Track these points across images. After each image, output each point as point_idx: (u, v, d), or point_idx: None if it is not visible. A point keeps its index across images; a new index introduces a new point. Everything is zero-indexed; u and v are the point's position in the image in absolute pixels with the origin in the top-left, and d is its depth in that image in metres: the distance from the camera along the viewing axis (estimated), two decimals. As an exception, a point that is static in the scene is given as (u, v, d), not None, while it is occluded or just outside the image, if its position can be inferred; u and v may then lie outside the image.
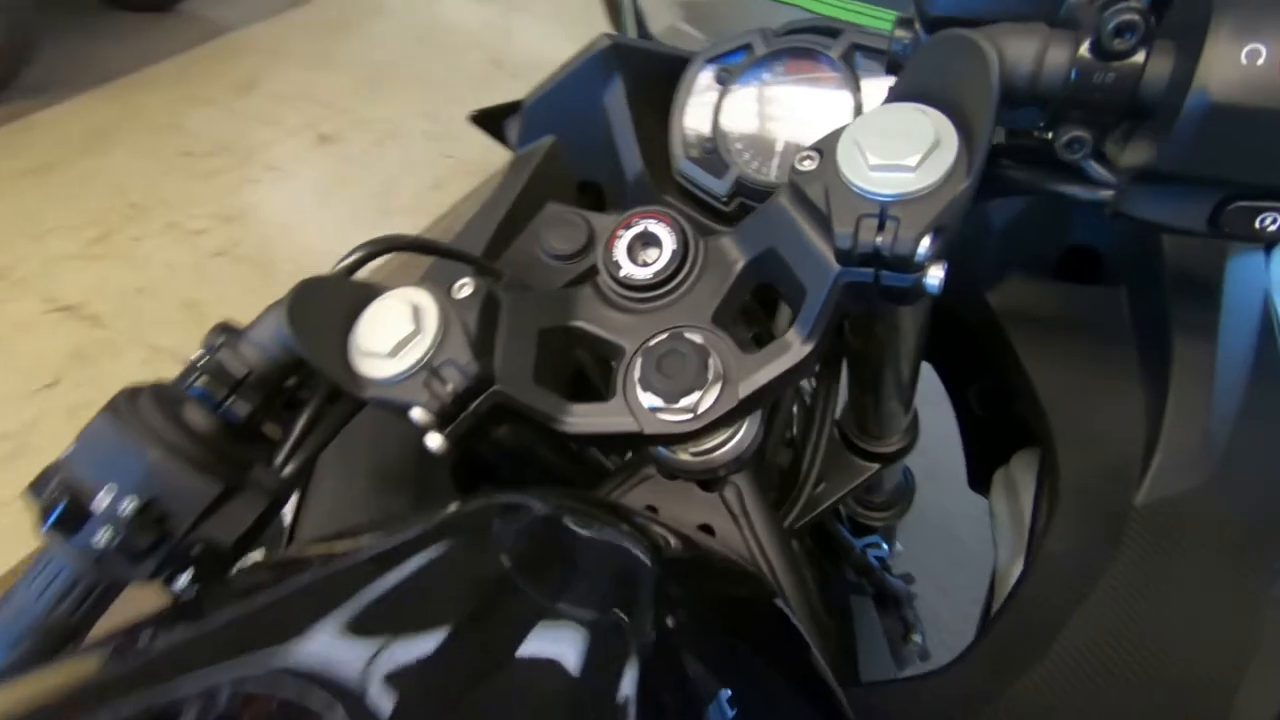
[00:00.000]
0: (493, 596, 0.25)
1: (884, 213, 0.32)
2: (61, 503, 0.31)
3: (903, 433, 0.57)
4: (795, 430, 0.65)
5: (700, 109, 0.55)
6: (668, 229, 0.38)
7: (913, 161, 0.31)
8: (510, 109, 0.61)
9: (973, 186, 0.31)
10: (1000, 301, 0.50)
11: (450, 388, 0.34)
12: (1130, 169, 0.31)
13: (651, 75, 0.57)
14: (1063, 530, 0.43)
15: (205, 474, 0.32)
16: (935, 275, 0.32)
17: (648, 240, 0.39)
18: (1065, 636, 0.39)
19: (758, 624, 0.36)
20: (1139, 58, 0.29)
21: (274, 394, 0.35)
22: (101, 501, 0.31)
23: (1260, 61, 0.27)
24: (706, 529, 0.42)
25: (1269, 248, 0.47)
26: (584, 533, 0.31)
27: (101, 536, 0.30)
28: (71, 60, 2.46)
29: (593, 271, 0.41)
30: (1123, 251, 0.48)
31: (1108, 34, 0.29)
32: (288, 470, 0.35)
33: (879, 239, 0.31)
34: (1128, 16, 0.29)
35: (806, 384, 0.66)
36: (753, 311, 0.57)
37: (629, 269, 0.38)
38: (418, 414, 0.34)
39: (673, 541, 0.35)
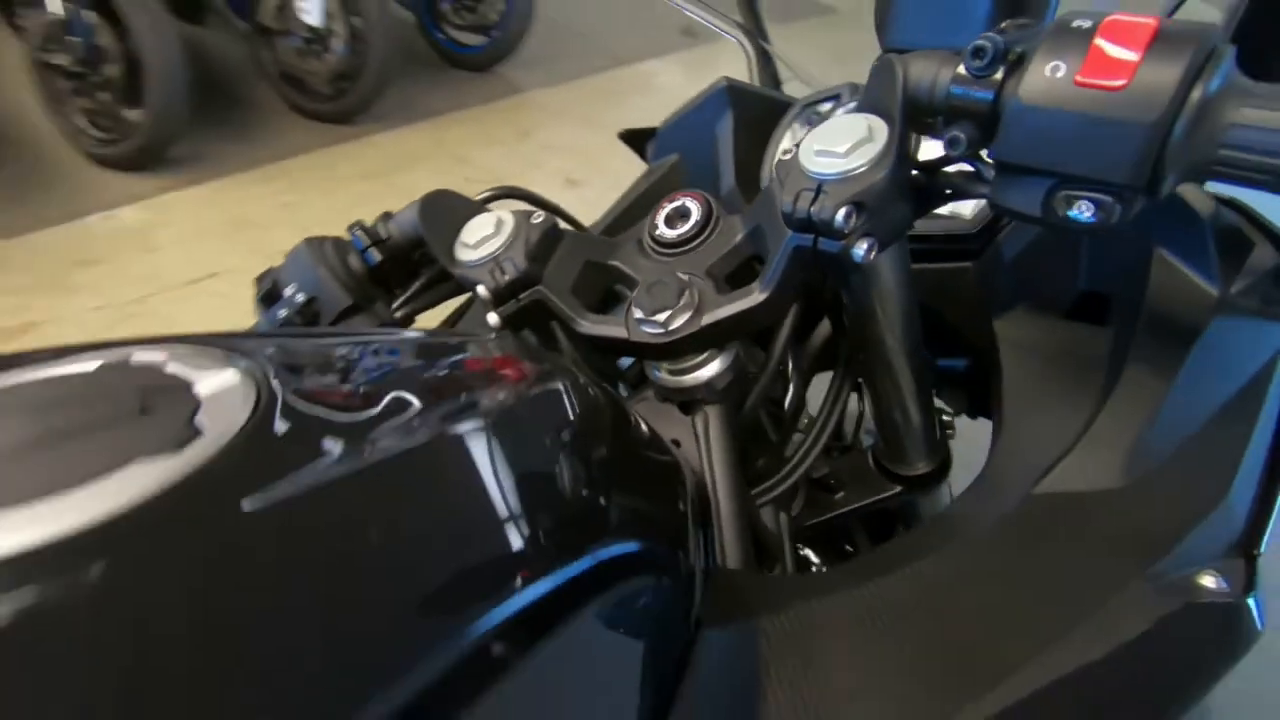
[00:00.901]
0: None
1: (819, 188, 0.40)
2: (265, 289, 0.55)
3: (926, 459, 0.57)
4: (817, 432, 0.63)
5: (788, 142, 0.62)
6: (698, 205, 0.49)
7: (842, 149, 0.40)
8: (650, 133, 0.73)
9: (890, 174, 0.39)
10: (1003, 328, 0.53)
11: (506, 277, 0.48)
12: (990, 163, 0.39)
13: (757, 114, 0.64)
14: (965, 500, 0.48)
15: (344, 291, 0.53)
16: (860, 247, 0.40)
17: (684, 213, 0.49)
18: (903, 575, 0.40)
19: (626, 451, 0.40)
20: (998, 76, 0.36)
21: (401, 257, 0.56)
22: (287, 292, 0.54)
23: (1059, 75, 0.34)
24: (675, 443, 0.49)
25: (1077, 235, 0.49)
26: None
27: (280, 313, 0.54)
28: (407, 99, 3.16)
29: None
30: (1123, 297, 0.50)
31: (967, 56, 0.37)
32: (398, 314, 0.56)
33: (812, 208, 0.40)
34: (981, 44, 0.36)
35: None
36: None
37: (662, 230, 0.49)
38: (481, 290, 0.49)
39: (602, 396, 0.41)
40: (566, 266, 0.50)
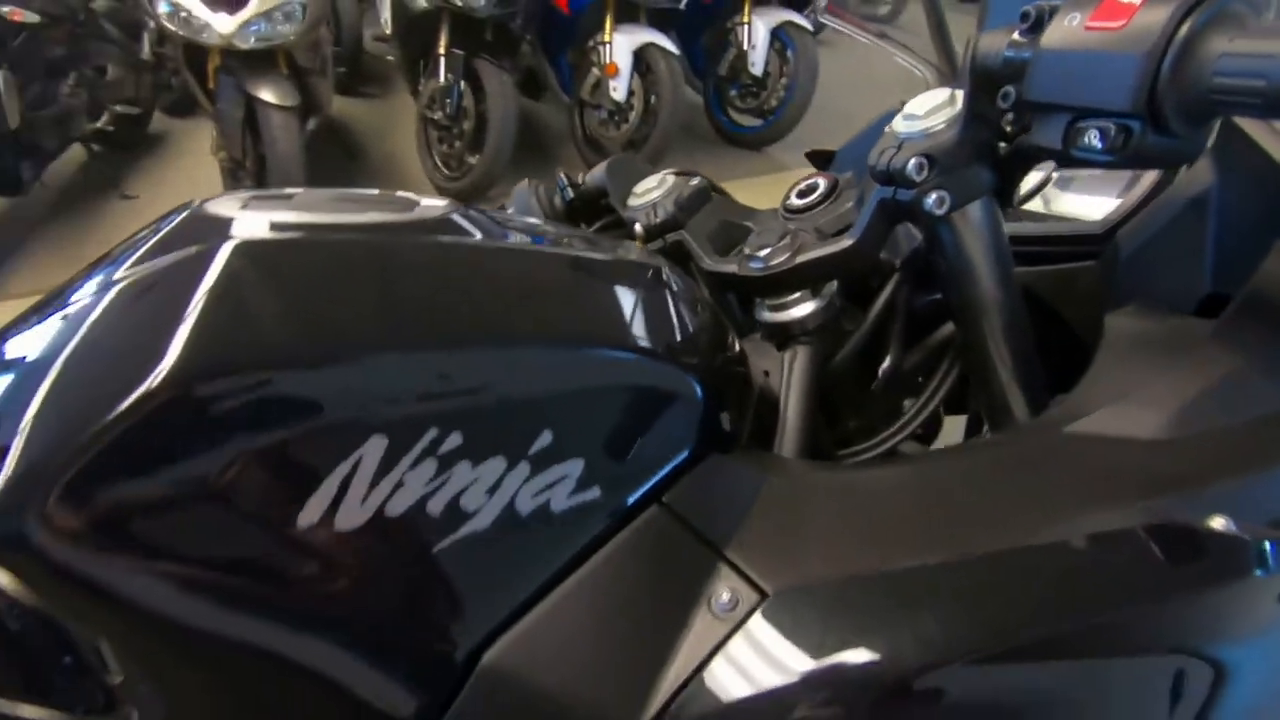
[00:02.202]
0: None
1: (899, 145, 0.47)
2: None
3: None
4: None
5: None
6: (825, 181, 0.57)
7: (923, 112, 0.47)
8: (831, 154, 0.81)
9: (960, 132, 0.45)
10: (1111, 320, 0.51)
11: (657, 219, 0.62)
12: (1023, 105, 0.43)
13: None
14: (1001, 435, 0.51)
15: (545, 219, 0.71)
16: (931, 197, 0.46)
17: (813, 187, 0.57)
18: (919, 466, 0.46)
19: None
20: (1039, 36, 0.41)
21: (590, 201, 0.74)
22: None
23: (1074, 23, 0.39)
24: (765, 374, 0.54)
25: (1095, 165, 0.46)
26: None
27: None
28: (681, 165, 3.62)
29: None
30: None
31: (1019, 22, 0.42)
32: None
33: (891, 162, 0.47)
34: (1026, 9, 0.42)
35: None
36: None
37: (792, 199, 0.57)
38: (637, 228, 0.63)
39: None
40: (708, 220, 0.62)
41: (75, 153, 3.29)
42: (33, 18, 2.59)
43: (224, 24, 2.55)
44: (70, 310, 0.34)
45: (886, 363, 0.58)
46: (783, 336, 0.54)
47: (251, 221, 0.38)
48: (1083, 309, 0.57)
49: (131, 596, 0.30)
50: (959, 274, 0.50)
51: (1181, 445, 0.40)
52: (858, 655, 0.33)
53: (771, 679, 0.33)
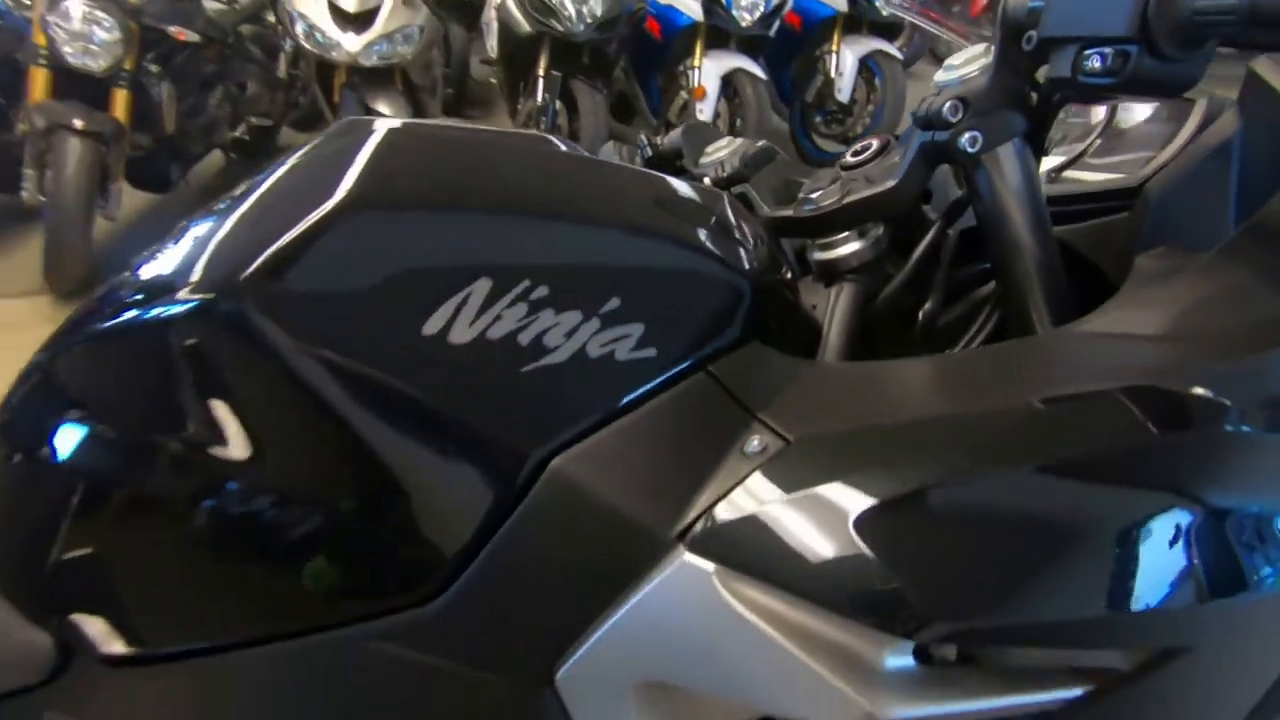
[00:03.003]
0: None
1: (939, 93, 0.51)
2: None
3: None
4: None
5: None
6: (879, 140, 0.60)
7: (960, 63, 0.54)
8: None
9: (991, 77, 0.50)
10: (1141, 260, 0.52)
11: (724, 173, 0.71)
12: (1042, 43, 0.48)
13: None
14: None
15: None
16: (965, 137, 0.50)
17: (868, 147, 0.61)
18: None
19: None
20: None
21: (667, 159, 0.84)
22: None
23: None
24: (813, 307, 0.59)
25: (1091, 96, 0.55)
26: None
27: None
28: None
29: None
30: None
31: None
32: None
33: (929, 107, 0.51)
34: None
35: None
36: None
37: (847, 158, 0.61)
38: (706, 180, 0.71)
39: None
40: (772, 177, 0.69)
41: (215, 158, 3.69)
42: (194, 37, 2.96)
43: (352, 43, 2.87)
44: (262, 179, 0.47)
45: (927, 306, 0.60)
46: (830, 274, 0.58)
47: (400, 122, 0.51)
48: (1118, 260, 0.58)
49: (301, 372, 0.39)
50: (994, 215, 0.53)
51: (1178, 338, 0.43)
52: (859, 481, 0.38)
53: (782, 501, 0.38)
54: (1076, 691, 0.37)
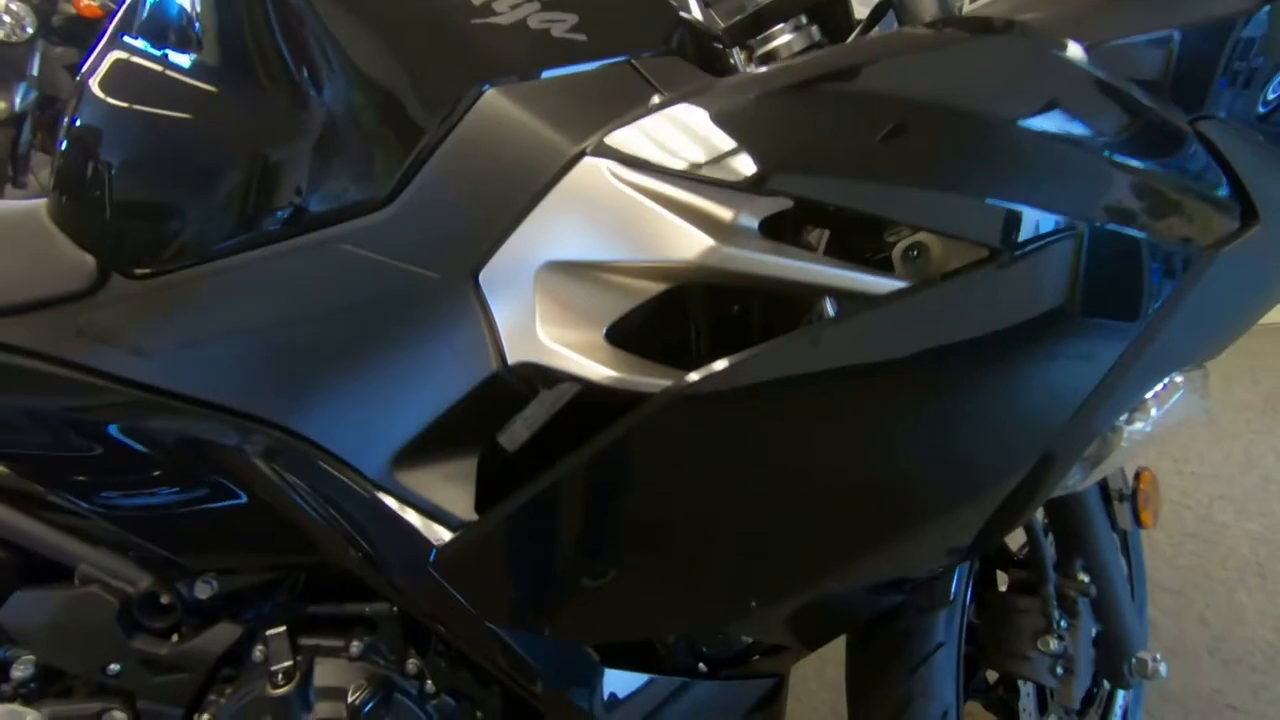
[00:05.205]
0: None
1: None
2: None
3: None
4: None
5: None
6: None
7: None
8: None
9: None
10: None
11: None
12: None
13: None
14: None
15: None
16: None
17: None
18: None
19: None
20: None
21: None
22: None
23: None
24: None
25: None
26: None
27: None
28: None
29: None
30: None
31: None
32: None
33: None
34: None
35: None
36: None
37: None
38: None
39: None
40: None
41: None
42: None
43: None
44: None
45: None
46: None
47: None
48: None
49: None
50: None
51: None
52: (723, 91, 0.47)
53: (669, 112, 0.46)
54: (900, 284, 0.44)
